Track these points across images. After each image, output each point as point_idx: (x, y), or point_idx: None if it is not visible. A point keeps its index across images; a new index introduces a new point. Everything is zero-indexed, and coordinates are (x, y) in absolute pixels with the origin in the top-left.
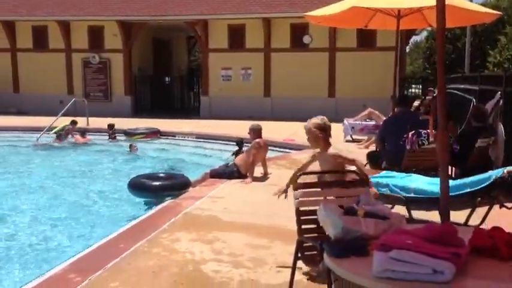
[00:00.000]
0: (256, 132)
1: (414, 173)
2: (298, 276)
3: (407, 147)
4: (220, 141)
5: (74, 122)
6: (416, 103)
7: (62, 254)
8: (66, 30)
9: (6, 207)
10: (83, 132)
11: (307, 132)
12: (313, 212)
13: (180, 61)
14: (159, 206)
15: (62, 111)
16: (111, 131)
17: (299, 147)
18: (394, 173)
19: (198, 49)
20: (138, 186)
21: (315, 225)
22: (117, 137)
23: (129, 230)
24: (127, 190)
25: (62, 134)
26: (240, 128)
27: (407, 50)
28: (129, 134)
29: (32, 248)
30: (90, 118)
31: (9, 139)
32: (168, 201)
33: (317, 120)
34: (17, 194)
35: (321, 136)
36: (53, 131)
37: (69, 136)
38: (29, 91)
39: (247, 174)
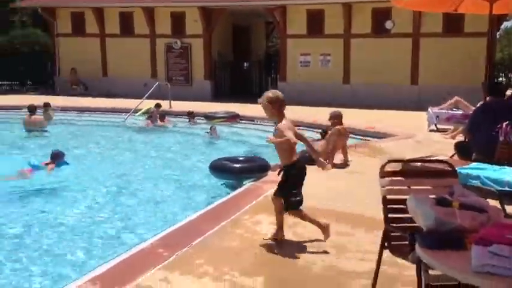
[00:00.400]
0: (337, 118)
1: (508, 165)
2: (383, 265)
3: (501, 138)
4: (299, 127)
5: (158, 105)
6: (509, 92)
7: (149, 231)
8: (151, 16)
9: (91, 184)
10: (163, 115)
11: (262, 106)
12: (401, 201)
13: (259, 47)
14: (241, 189)
15: (147, 94)
16: (191, 116)
17: (380, 135)
18: (486, 165)
19: (277, 35)
20: (219, 168)
21: (403, 215)
22: (197, 121)
23: (213, 209)
24: (208, 172)
25: (152, 116)
26: (317, 114)
27: (497, 37)
28: (209, 117)
29: (120, 223)
30: (172, 101)
31: (98, 120)
32: (248, 184)
33: (269, 93)
34: (104, 172)
35: (273, 109)
36: (138, 113)
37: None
38: (116, 75)
39: (327, 161)
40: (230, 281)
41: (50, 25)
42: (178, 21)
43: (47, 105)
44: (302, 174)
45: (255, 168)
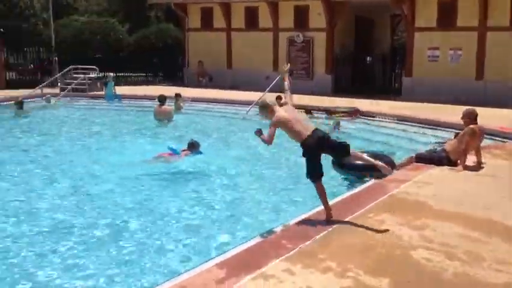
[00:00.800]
0: (471, 117)
1: None
2: None
3: None
4: (424, 125)
5: (279, 97)
6: None
7: (273, 222)
8: (275, 10)
9: (222, 170)
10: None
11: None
12: None
13: (383, 40)
14: (363, 186)
15: (269, 87)
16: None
17: None
18: None
19: (402, 28)
20: (343, 163)
21: None
22: (314, 114)
23: (334, 204)
24: (330, 166)
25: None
26: (445, 112)
27: None
28: (329, 112)
29: (240, 211)
30: (293, 95)
31: (222, 111)
32: (371, 182)
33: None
34: (228, 162)
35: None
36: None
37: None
38: (240, 67)
39: (458, 162)
40: (354, 278)
41: (182, 20)
42: (301, 14)
43: (177, 96)
44: (312, 149)
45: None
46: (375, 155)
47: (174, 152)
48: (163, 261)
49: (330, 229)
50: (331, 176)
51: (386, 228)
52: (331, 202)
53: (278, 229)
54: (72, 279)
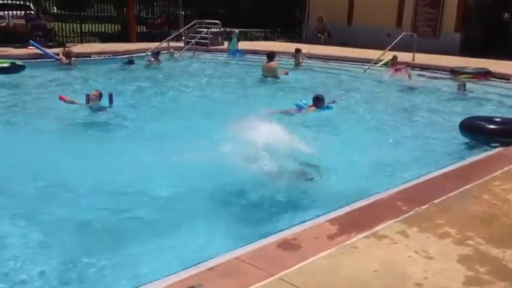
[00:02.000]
0: None
1: None
2: None
3: None
4: None
5: (395, 58)
6: None
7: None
8: None
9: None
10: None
11: None
12: None
13: None
14: (491, 152)
15: (391, 45)
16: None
17: None
18: None
19: None
20: (472, 127)
21: None
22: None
23: (457, 169)
24: (457, 130)
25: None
26: None
27: None
28: (455, 72)
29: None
30: (416, 54)
31: (341, 68)
32: (500, 148)
33: None
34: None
35: None
36: (379, 64)
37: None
38: (361, 24)
39: None
40: (475, 247)
41: None
42: None
43: (298, 51)
44: None
45: None
46: (508, 120)
47: (300, 107)
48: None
49: (451, 194)
50: (459, 140)
51: None
52: (453, 167)
53: (393, 190)
54: None
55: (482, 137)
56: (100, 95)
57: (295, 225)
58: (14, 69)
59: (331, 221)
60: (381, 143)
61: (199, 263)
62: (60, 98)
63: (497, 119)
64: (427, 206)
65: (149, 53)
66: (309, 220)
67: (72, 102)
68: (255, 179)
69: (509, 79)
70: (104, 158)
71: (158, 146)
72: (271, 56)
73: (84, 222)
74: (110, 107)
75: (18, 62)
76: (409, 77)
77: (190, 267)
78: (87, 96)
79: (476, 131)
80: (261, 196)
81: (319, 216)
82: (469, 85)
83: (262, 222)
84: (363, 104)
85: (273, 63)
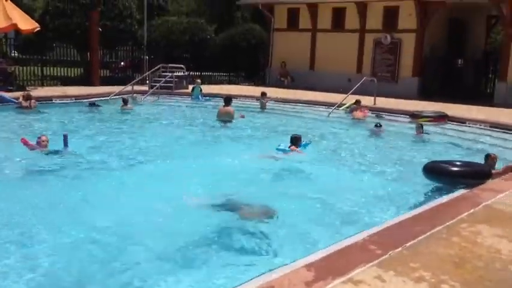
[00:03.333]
0: None
1: None
2: None
3: None
4: None
5: (358, 102)
6: None
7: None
8: (363, 11)
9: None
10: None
11: None
12: None
13: (476, 43)
14: (455, 194)
15: (353, 89)
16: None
17: None
18: None
19: (496, 30)
20: (435, 170)
21: None
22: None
23: (425, 212)
24: (420, 173)
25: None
26: None
27: None
28: (414, 116)
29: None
30: (376, 98)
31: (304, 111)
32: (463, 191)
33: None
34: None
35: None
36: (342, 108)
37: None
38: (322, 69)
39: None
40: None
41: (268, 20)
42: (390, 15)
43: (263, 94)
44: None
45: (477, 173)
46: (470, 164)
47: (284, 152)
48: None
49: (421, 237)
50: (422, 183)
51: (483, 240)
52: (420, 209)
53: (365, 234)
54: None
55: (446, 179)
56: (46, 140)
57: (272, 269)
58: None
59: (307, 267)
60: (348, 185)
61: None
62: (22, 140)
63: (459, 162)
64: (400, 249)
65: (113, 97)
66: (284, 265)
67: (32, 148)
68: (223, 222)
69: (464, 122)
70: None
71: (114, 187)
72: (228, 100)
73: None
74: (65, 149)
75: None
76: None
77: None
78: (37, 142)
79: (440, 174)
80: (232, 240)
81: (294, 261)
82: (427, 128)
83: (236, 266)
84: (329, 147)
85: (229, 108)
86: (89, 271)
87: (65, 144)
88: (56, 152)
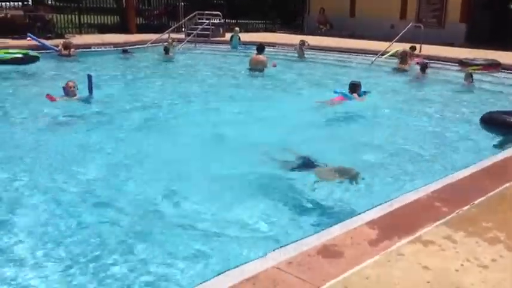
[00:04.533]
0: None
1: None
2: None
3: None
4: None
5: (413, 48)
6: None
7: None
8: None
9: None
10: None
11: None
12: None
13: None
14: None
15: (398, 36)
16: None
17: None
18: None
19: None
20: (494, 121)
21: None
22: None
23: (491, 167)
24: (475, 124)
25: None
26: None
27: None
28: (464, 64)
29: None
30: (423, 45)
31: (345, 60)
32: None
33: None
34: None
35: None
36: (386, 55)
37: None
38: (363, 15)
39: None
40: None
41: None
42: None
43: (302, 43)
44: None
45: None
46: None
47: (345, 96)
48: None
49: (490, 194)
50: (479, 134)
51: None
52: (486, 163)
53: (429, 190)
54: None
55: (506, 130)
56: (74, 86)
57: (330, 226)
58: (28, 59)
59: (370, 224)
60: (404, 137)
61: (231, 269)
62: (47, 96)
63: None
64: (468, 206)
65: (150, 45)
66: (344, 221)
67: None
68: (274, 170)
69: None
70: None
71: (141, 136)
72: (260, 48)
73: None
74: (91, 95)
75: (32, 53)
76: (423, 69)
77: (220, 274)
78: (64, 89)
79: (500, 125)
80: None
81: (354, 216)
82: (477, 77)
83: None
84: (377, 97)
85: (262, 56)
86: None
87: (90, 86)
88: (86, 100)
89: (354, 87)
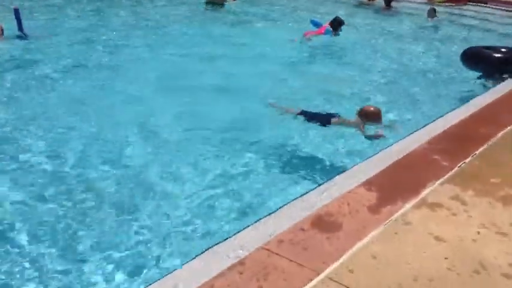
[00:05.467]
0: None
1: None
2: None
3: None
4: None
5: None
6: None
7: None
8: None
9: None
10: None
11: None
12: None
13: None
14: (508, 86)
15: None
16: None
17: None
18: None
19: None
20: (477, 57)
21: None
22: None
23: (483, 111)
24: (454, 62)
25: None
26: None
27: None
28: None
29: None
30: None
31: None
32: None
33: None
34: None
35: None
36: None
37: None
38: None
39: None
40: None
41: None
42: None
43: None
44: None
45: None
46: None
47: (325, 31)
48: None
49: (491, 142)
50: (459, 72)
51: None
52: (476, 106)
53: (423, 137)
54: None
55: (490, 67)
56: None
57: (318, 186)
58: None
59: (367, 185)
60: (383, 76)
61: (216, 245)
62: None
63: (504, 48)
64: (470, 158)
65: None
66: (330, 180)
67: None
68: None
69: (486, 3)
70: None
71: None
72: None
73: None
74: (22, 33)
75: None
76: (388, 3)
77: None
78: None
79: (483, 61)
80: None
81: (346, 173)
82: (443, 10)
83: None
84: (348, 32)
85: None
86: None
87: (19, 23)
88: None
89: (338, 25)
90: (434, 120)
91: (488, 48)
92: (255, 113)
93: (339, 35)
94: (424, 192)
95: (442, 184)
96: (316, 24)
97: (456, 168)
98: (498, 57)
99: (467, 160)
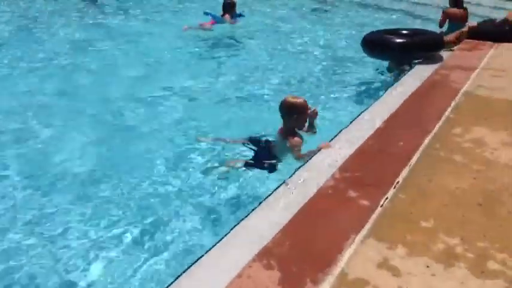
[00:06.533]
0: None
1: None
2: None
3: None
4: None
5: None
6: None
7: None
8: None
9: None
10: None
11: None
12: None
13: None
14: (417, 77)
15: None
16: None
17: None
18: None
19: None
20: (377, 43)
21: None
22: None
23: (397, 113)
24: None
25: None
26: None
27: None
28: None
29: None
30: None
31: None
32: (429, 73)
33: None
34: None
35: None
36: None
37: None
38: None
39: None
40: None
41: None
42: None
43: None
44: None
45: (427, 43)
46: (416, 32)
47: (215, 18)
48: None
49: (412, 161)
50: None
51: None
52: (389, 108)
53: (332, 155)
54: None
55: (390, 52)
56: None
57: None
58: None
59: (262, 260)
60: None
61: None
62: None
63: (406, 31)
64: (392, 190)
65: None
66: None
67: None
68: None
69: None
70: None
71: None
72: None
73: None
74: None
75: None
76: None
77: None
78: None
79: (383, 47)
80: None
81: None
82: None
83: None
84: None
85: None
86: None
87: None
88: None
89: (229, 7)
90: (337, 135)
91: (388, 32)
92: None
93: (235, 19)
94: (342, 262)
95: (363, 241)
96: (210, 15)
97: (378, 209)
98: (398, 43)
99: (389, 194)
